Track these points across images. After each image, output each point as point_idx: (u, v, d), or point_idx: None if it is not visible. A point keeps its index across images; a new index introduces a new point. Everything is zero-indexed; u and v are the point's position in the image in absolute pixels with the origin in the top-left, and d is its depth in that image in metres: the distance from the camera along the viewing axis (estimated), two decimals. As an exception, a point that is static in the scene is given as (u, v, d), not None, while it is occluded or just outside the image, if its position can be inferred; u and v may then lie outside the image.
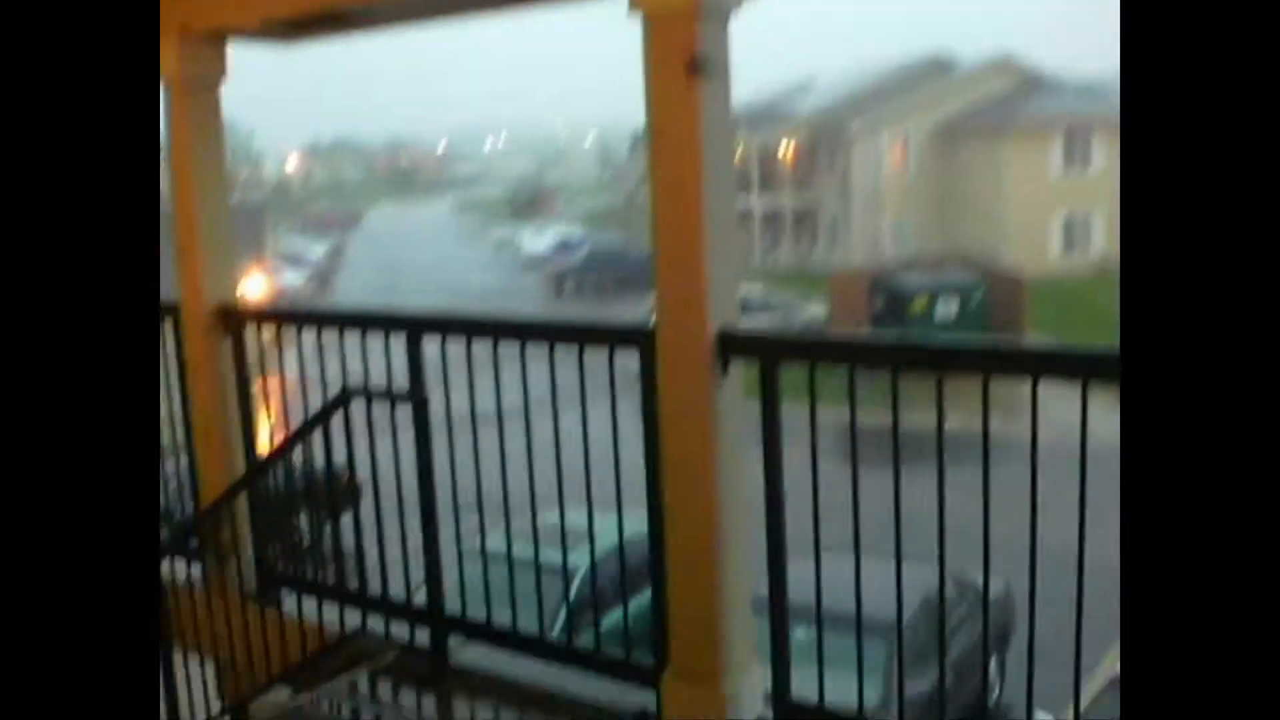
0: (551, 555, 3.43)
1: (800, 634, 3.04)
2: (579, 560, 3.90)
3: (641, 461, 3.14)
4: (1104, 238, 39.24)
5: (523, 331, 3.50)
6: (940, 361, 2.80)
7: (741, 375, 2.98)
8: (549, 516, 3.45)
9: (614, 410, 3.07)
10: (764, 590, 3.02)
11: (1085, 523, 2.50)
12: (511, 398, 3.35)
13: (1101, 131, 39.40)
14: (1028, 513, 2.58)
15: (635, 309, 33.77)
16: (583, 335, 3.34)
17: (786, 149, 45.95)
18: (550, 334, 3.43)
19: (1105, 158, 39.47)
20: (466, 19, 3.92)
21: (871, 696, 3.01)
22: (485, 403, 3.35)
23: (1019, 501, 2.60)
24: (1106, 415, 2.74)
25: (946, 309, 27.01)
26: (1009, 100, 41.17)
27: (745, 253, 42.33)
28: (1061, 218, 39.58)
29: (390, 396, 3.53)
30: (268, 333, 4.16)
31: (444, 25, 4.05)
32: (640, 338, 3.08)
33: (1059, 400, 2.69)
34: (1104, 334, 30.09)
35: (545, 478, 3.33)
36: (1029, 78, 42.56)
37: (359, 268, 52.46)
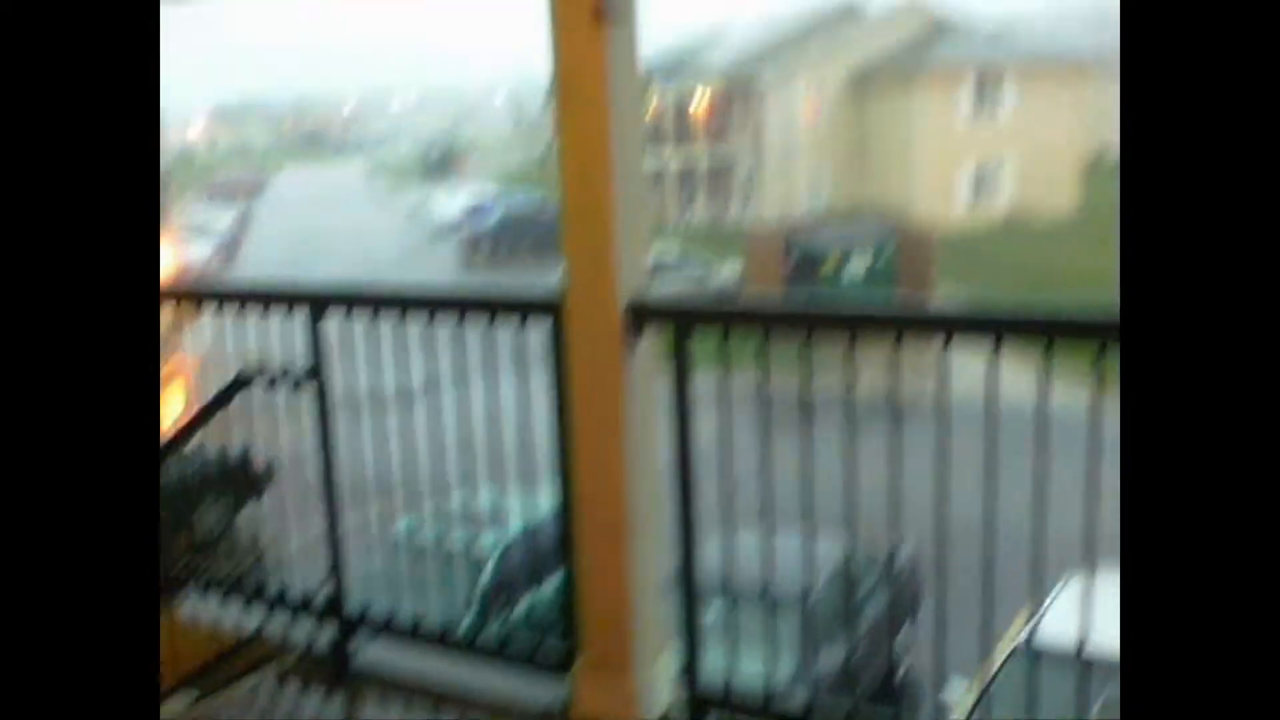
0: (462, 540, 3.36)
1: (712, 612, 3.01)
2: (491, 544, 3.83)
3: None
4: (1013, 185, 39.88)
5: (430, 304, 3.39)
6: (852, 325, 2.76)
7: (656, 341, 2.91)
8: (459, 499, 3.36)
9: (525, 384, 2.98)
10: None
11: (996, 487, 2.51)
12: (418, 375, 3.25)
13: (1011, 77, 39.92)
14: (937, 477, 2.58)
15: (551, 274, 33.56)
16: (493, 306, 3.24)
17: (699, 102, 45.80)
18: (459, 306, 3.33)
19: (1015, 103, 40.02)
20: None
21: (785, 672, 3.00)
22: (392, 379, 3.25)
23: (930, 464, 2.60)
24: (1016, 375, 2.75)
25: (858, 266, 27.34)
26: (919, 46, 41.42)
27: (658, 211, 42.26)
28: (971, 167, 40.09)
29: (289, 379, 3.41)
30: (167, 313, 3.99)
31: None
32: (550, 308, 3.00)
33: (969, 361, 2.69)
34: (1011, 286, 30.52)
35: (456, 458, 3.25)
36: (938, 23, 42.87)
37: (267, 237, 51.30)
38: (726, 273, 31.60)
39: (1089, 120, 41.80)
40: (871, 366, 2.74)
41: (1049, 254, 32.97)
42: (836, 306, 2.87)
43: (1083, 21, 52.48)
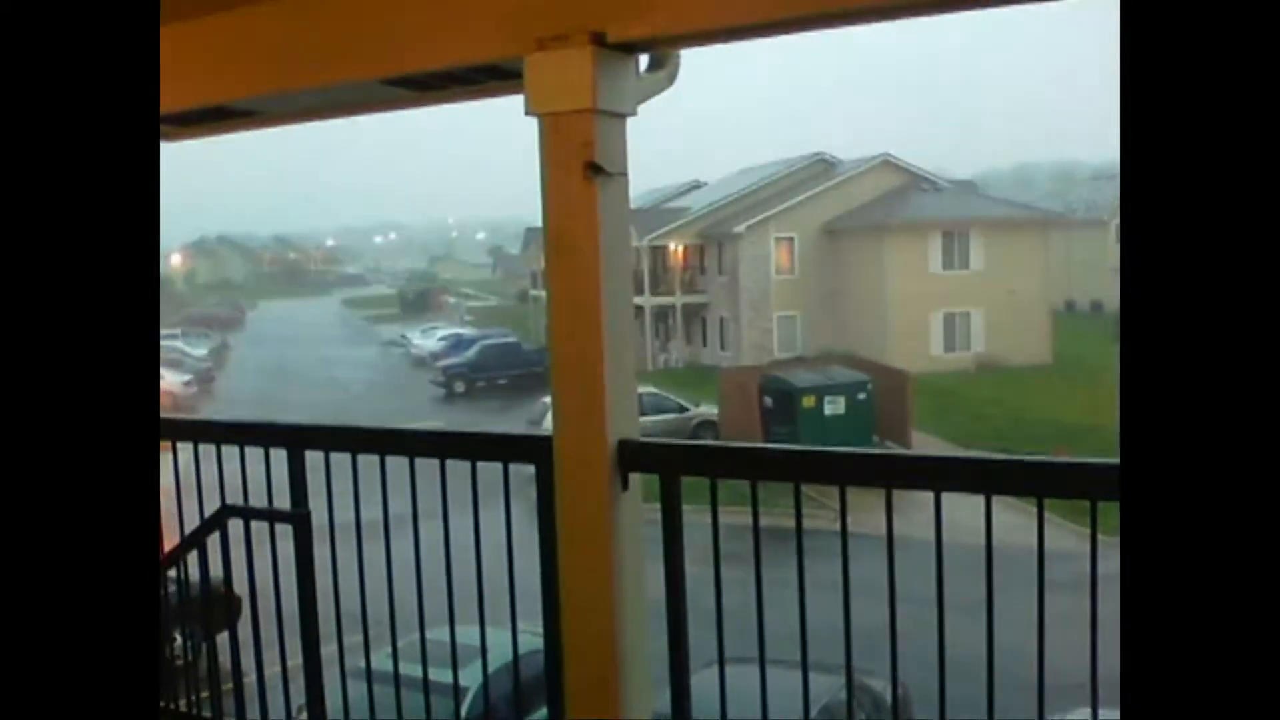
0: (441, 674, 3.28)
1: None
2: (471, 678, 3.74)
3: (537, 573, 3.03)
4: (983, 335, 40.56)
5: (411, 445, 3.38)
6: (840, 474, 2.79)
7: (644, 481, 2.91)
8: (439, 633, 3.30)
9: (508, 526, 2.98)
10: (666, 707, 2.92)
11: (993, 626, 2.49)
12: (400, 505, 3.22)
13: (980, 229, 41.00)
14: (925, 613, 2.56)
15: (528, 409, 33.59)
16: (476, 448, 3.23)
17: (677, 248, 46.68)
18: (442, 447, 3.31)
19: (982, 256, 41.01)
20: (354, 115, 3.86)
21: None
22: (372, 512, 3.22)
23: (917, 603, 2.58)
24: (1002, 518, 2.75)
25: (835, 406, 27.52)
26: (891, 199, 42.60)
27: (637, 353, 42.61)
28: (941, 315, 40.81)
29: (270, 515, 3.37)
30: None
31: (331, 122, 3.99)
32: (537, 451, 2.99)
33: (950, 500, 2.70)
34: (985, 427, 30.80)
35: (437, 591, 3.20)
36: (908, 177, 44.16)
37: (244, 368, 51.30)
38: (703, 411, 31.77)
39: (1055, 271, 42.84)
40: (859, 505, 2.75)
41: (1021, 398, 33.39)
42: (823, 452, 2.91)
43: (1048, 177, 54.11)
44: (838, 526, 2.62)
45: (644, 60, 2.91)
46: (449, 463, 3.20)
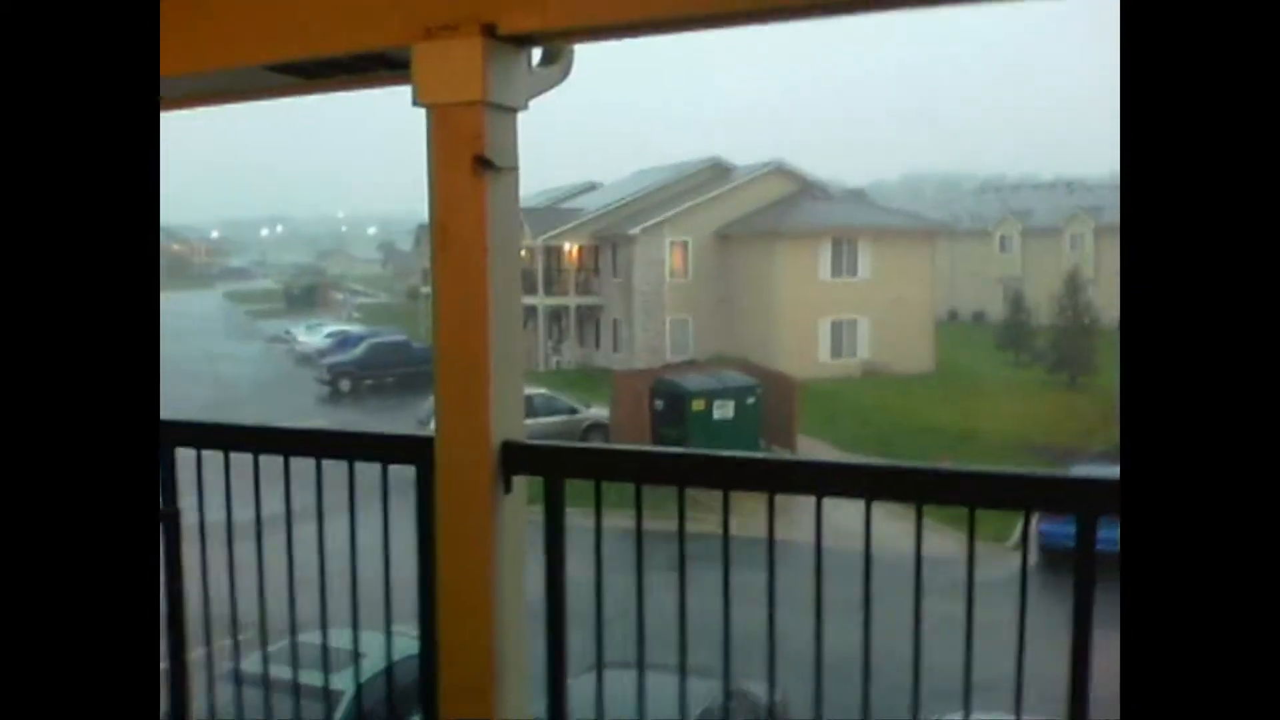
0: (313, 678, 3.18)
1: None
2: (346, 683, 3.64)
3: (415, 575, 2.97)
4: (869, 342, 41.39)
5: (287, 443, 3.27)
6: (724, 478, 2.76)
7: (528, 483, 2.86)
8: (313, 637, 3.20)
9: (386, 528, 2.90)
10: (544, 712, 2.88)
11: (870, 631, 2.52)
12: (274, 506, 3.12)
13: (866, 239, 41.83)
14: (807, 618, 2.58)
15: (416, 409, 33.17)
16: (354, 448, 3.14)
17: (571, 249, 46.63)
18: (319, 447, 3.22)
19: (870, 265, 41.85)
20: (240, 102, 3.74)
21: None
22: (245, 513, 3.11)
23: (800, 608, 2.59)
24: (884, 523, 2.79)
25: (724, 411, 27.80)
26: (783, 206, 43.19)
27: (528, 353, 42.47)
28: (829, 323, 41.52)
29: None
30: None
31: (220, 110, 3.86)
32: (417, 451, 2.92)
33: (835, 505, 2.73)
34: (870, 432, 31.55)
35: (314, 595, 3.11)
36: (801, 184, 44.83)
37: (120, 361, 49.52)
38: (594, 413, 31.78)
39: (940, 280, 43.93)
40: (742, 510, 2.76)
41: (905, 404, 34.16)
42: (708, 455, 2.91)
43: (936, 189, 55.47)
44: (732, 531, 2.62)
45: (537, 54, 2.87)
46: (332, 463, 3.11)
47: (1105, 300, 40.17)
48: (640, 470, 2.95)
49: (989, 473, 2.45)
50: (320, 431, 3.36)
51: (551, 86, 2.93)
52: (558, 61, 2.92)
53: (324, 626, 3.16)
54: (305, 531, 3.08)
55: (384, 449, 3.12)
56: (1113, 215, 49.23)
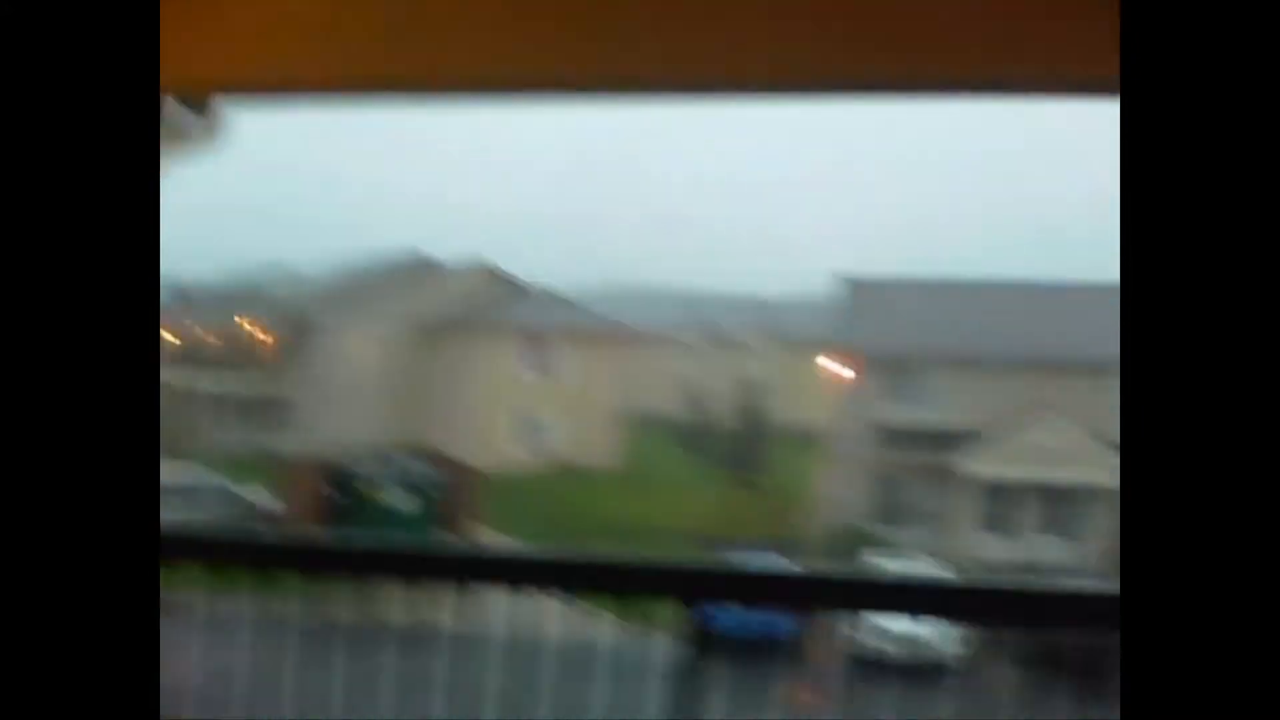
0: None
1: None
2: None
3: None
4: (560, 437, 41.82)
5: None
6: (388, 564, 2.77)
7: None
8: None
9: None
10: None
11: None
12: None
13: (563, 339, 42.58)
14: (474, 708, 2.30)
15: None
16: None
17: (253, 331, 44.78)
18: None
19: (565, 363, 42.57)
20: None
21: None
22: None
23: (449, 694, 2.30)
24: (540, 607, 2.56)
25: (402, 501, 27.34)
26: (483, 303, 43.32)
27: (192, 433, 40.24)
28: (520, 419, 41.74)
29: None
30: None
31: None
32: None
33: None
34: (556, 526, 31.87)
35: None
36: (501, 281, 45.13)
37: None
38: (259, 499, 30.26)
39: (628, 384, 45.30)
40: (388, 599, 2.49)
41: (592, 499, 34.63)
42: (368, 544, 2.89)
43: (633, 297, 57.59)
44: (406, 621, 2.34)
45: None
46: None
47: (781, 406, 42.53)
48: (308, 561, 2.82)
49: (670, 565, 2.45)
50: None
51: (200, 145, 2.55)
52: (204, 116, 2.52)
53: None
54: None
55: None
56: (794, 332, 52.38)
